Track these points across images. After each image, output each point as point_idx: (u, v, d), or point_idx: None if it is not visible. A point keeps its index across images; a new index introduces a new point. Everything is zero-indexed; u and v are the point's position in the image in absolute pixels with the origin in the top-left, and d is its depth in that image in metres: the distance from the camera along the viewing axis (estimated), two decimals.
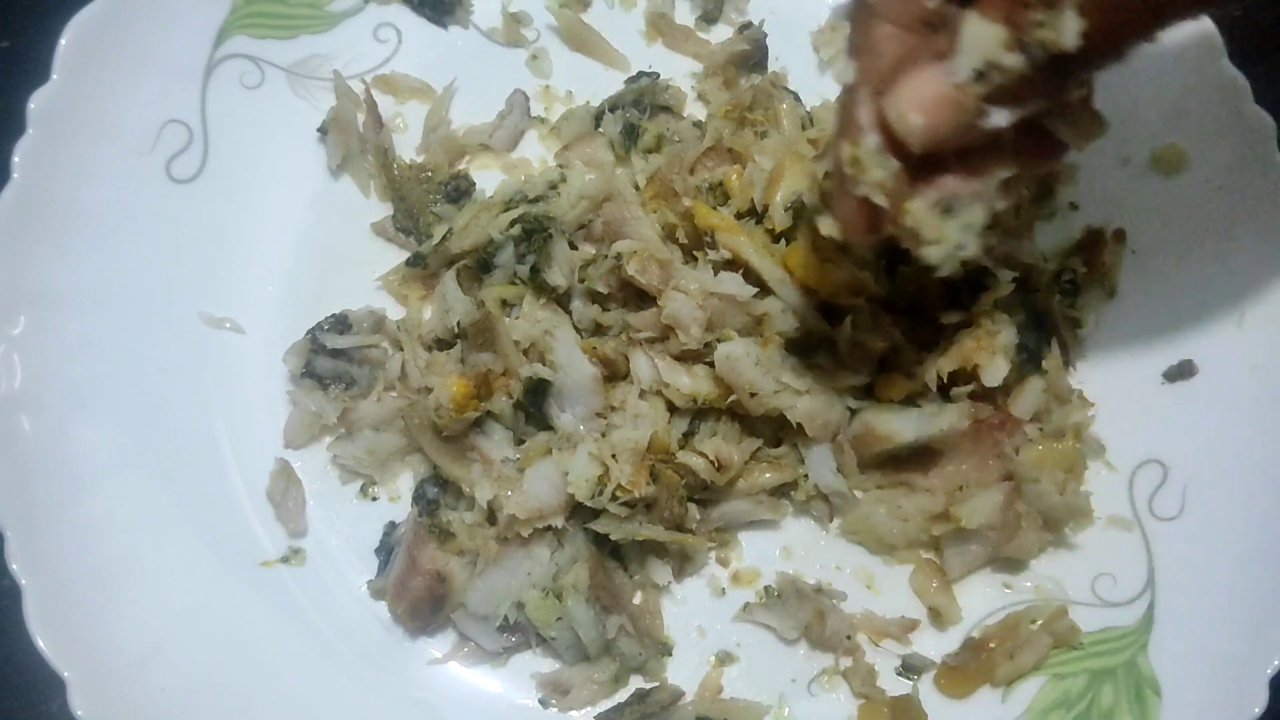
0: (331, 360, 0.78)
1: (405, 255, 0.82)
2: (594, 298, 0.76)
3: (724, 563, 0.79)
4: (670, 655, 0.76)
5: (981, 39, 0.51)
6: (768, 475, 0.77)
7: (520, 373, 0.74)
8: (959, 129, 0.53)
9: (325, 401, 0.78)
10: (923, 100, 0.53)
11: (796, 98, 0.85)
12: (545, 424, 0.75)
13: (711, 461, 0.74)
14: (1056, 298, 0.81)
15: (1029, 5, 0.51)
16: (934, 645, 0.77)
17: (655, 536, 0.73)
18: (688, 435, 0.75)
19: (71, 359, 0.74)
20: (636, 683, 0.75)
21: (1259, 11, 0.91)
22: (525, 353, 0.75)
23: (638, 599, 0.76)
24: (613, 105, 0.84)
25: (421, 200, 0.83)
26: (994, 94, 0.52)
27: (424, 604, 0.73)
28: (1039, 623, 0.76)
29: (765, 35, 0.86)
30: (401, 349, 0.79)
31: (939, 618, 0.77)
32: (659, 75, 0.86)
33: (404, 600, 0.74)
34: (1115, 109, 0.84)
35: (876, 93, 0.55)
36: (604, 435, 0.73)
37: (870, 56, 0.56)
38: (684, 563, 0.77)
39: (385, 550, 0.77)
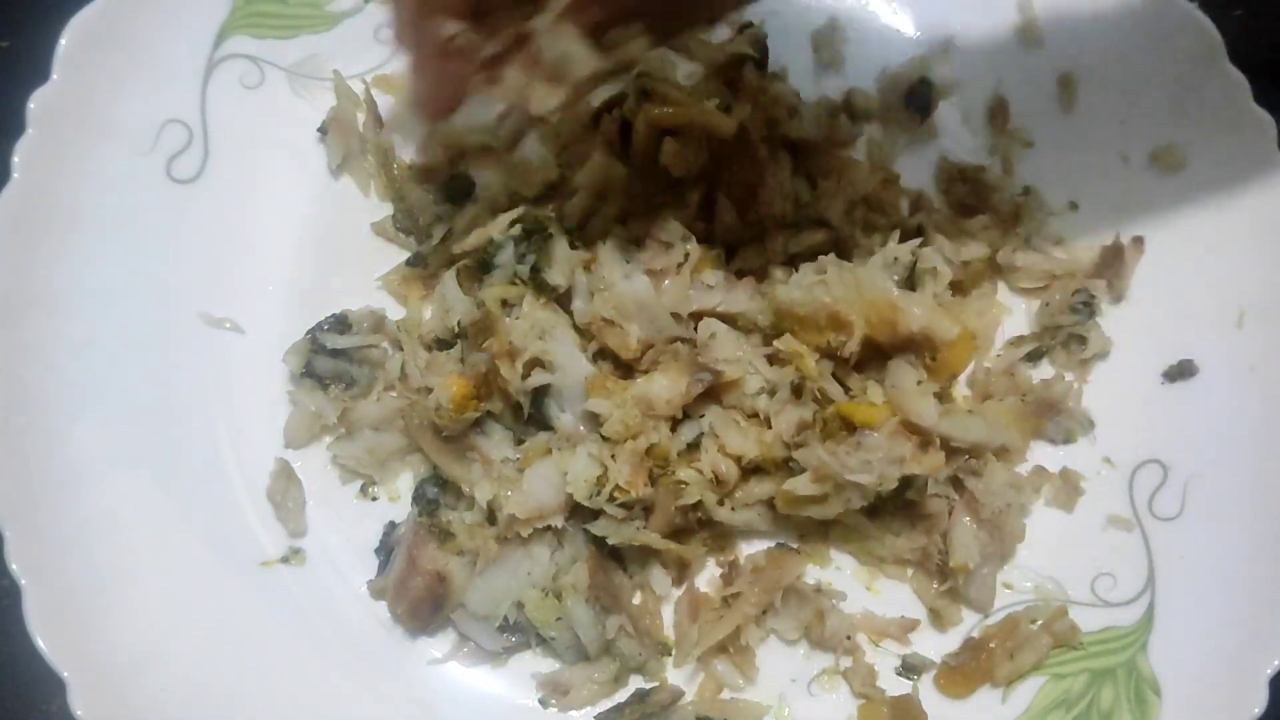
0: (332, 360, 0.78)
1: (405, 255, 0.82)
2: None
3: (723, 564, 0.78)
4: (670, 655, 0.76)
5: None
6: (766, 485, 0.77)
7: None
8: None
9: (325, 401, 0.78)
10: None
11: (797, 97, 0.85)
12: (545, 424, 0.75)
13: (710, 478, 0.74)
14: (1068, 317, 0.82)
15: None
16: (934, 645, 0.77)
17: (652, 544, 0.73)
18: (692, 447, 0.74)
19: (71, 359, 0.74)
20: (636, 682, 0.75)
21: (1259, 12, 0.91)
22: None
23: (637, 599, 0.76)
24: (611, 105, 0.84)
25: (421, 200, 0.83)
26: None
27: (424, 604, 0.73)
28: (1039, 623, 0.76)
29: (765, 35, 0.86)
30: (401, 349, 0.79)
31: (939, 618, 0.77)
32: None
33: (404, 600, 0.74)
34: (1115, 108, 0.85)
35: None
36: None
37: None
38: (682, 570, 0.77)
39: (385, 550, 0.77)
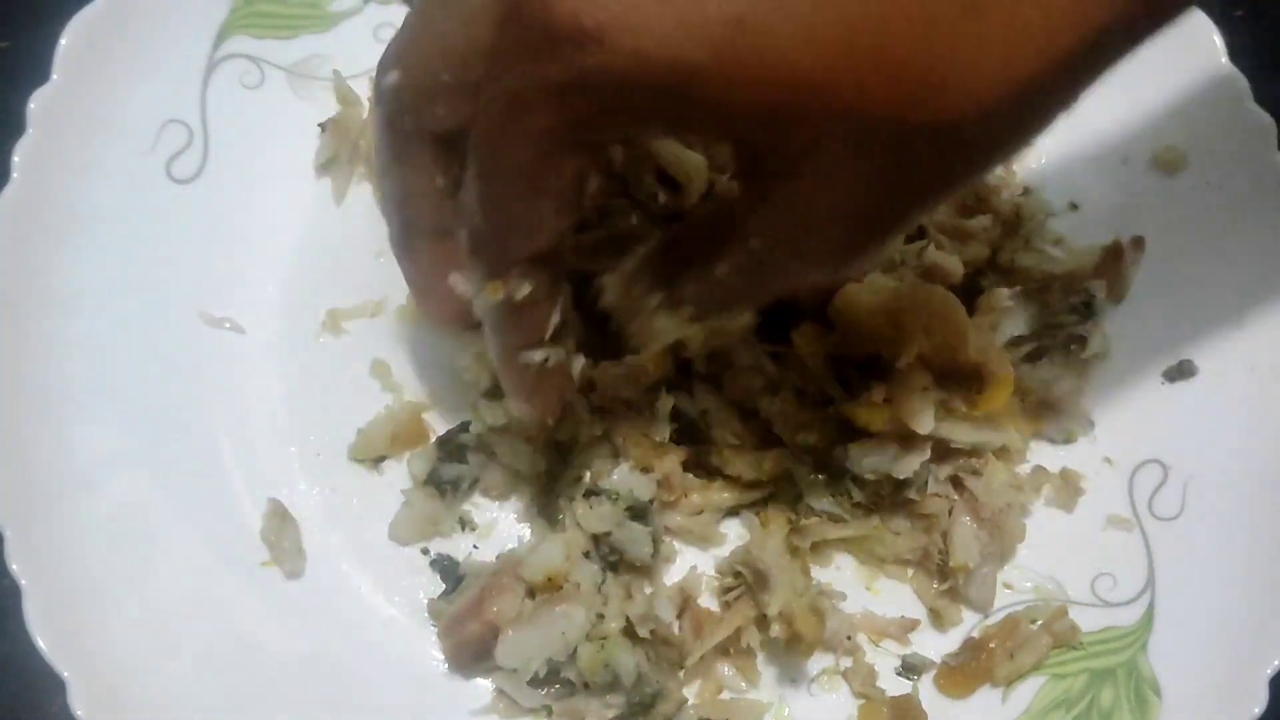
0: (457, 465, 0.77)
1: None
2: None
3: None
4: (684, 668, 0.75)
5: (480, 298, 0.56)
6: (724, 495, 0.77)
7: None
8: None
9: (441, 508, 0.77)
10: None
11: None
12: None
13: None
14: (1067, 317, 0.82)
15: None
16: (934, 645, 0.77)
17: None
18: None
19: (71, 359, 0.74)
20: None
21: (1259, 12, 0.91)
22: None
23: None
24: None
25: None
26: None
27: (467, 651, 0.72)
28: (1039, 623, 0.76)
29: None
30: None
31: (939, 618, 0.77)
32: None
33: (452, 638, 0.73)
34: (1115, 109, 0.85)
35: None
36: None
37: None
38: (685, 598, 0.76)
39: (454, 578, 0.75)
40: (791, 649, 0.74)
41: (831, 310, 0.73)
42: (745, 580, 0.74)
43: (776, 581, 0.72)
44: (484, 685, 0.75)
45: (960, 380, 0.72)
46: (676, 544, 0.78)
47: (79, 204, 0.76)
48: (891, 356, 0.71)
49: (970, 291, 0.80)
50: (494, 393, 0.76)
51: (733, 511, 0.78)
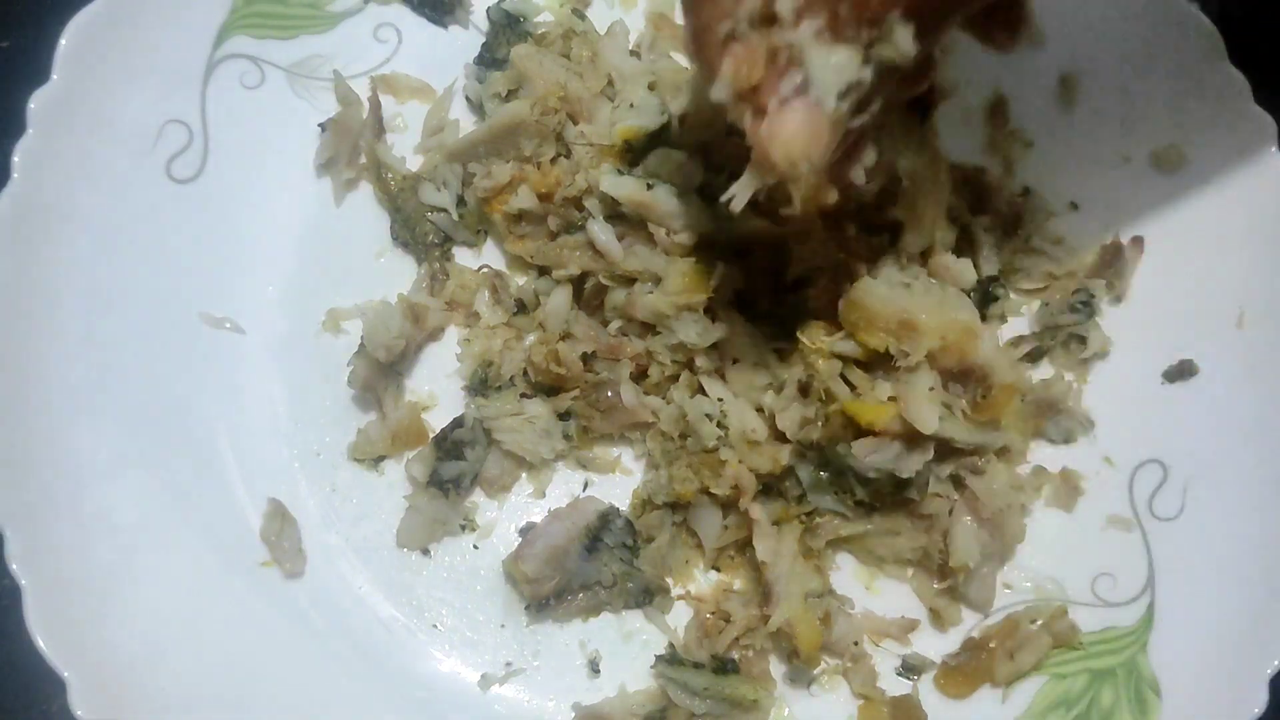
0: (456, 463, 0.77)
1: (406, 254, 0.83)
2: None
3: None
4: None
5: (834, 68, 0.52)
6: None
7: None
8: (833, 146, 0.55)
9: (447, 508, 0.77)
10: (800, 141, 0.54)
11: None
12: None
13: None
14: (1067, 317, 0.82)
15: (857, 22, 0.52)
16: (934, 645, 0.77)
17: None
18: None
19: (71, 359, 0.74)
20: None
21: (1259, 12, 0.91)
22: None
23: None
24: None
25: (418, 211, 0.82)
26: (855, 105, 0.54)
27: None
28: (1039, 623, 0.76)
29: None
30: None
31: (939, 618, 0.78)
32: None
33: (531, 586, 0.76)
34: (1115, 108, 0.85)
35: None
36: None
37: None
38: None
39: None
40: (793, 659, 0.74)
41: (843, 306, 0.73)
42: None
43: (781, 595, 0.72)
44: (482, 684, 0.75)
45: (966, 383, 0.72)
46: None
47: (79, 204, 0.76)
48: (900, 355, 0.71)
49: (982, 297, 0.81)
50: (483, 385, 0.78)
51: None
